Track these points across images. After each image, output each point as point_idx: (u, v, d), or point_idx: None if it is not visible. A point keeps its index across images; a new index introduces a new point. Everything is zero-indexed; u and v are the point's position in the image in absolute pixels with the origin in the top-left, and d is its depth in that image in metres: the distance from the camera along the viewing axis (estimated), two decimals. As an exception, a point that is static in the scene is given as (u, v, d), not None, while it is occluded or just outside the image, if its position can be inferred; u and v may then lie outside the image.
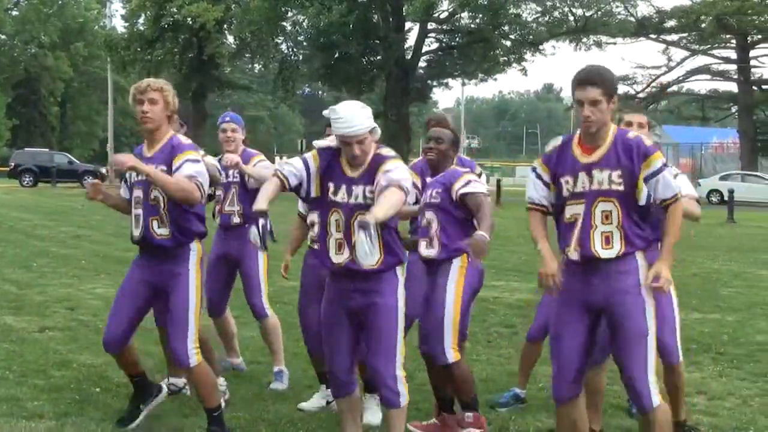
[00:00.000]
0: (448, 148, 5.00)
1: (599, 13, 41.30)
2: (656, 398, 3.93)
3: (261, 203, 4.12)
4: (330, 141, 4.53)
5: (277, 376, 5.94)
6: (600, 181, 3.92)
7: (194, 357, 4.60)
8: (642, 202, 3.93)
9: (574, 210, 3.97)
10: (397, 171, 4.11)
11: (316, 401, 5.42)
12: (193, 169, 4.55)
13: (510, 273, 12.03)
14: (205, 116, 50.97)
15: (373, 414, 5.15)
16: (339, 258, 4.20)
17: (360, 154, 4.15)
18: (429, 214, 4.82)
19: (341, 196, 4.19)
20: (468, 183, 4.79)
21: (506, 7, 40.91)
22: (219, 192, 5.94)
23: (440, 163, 4.99)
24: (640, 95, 46.72)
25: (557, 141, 4.16)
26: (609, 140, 3.96)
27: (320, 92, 71.53)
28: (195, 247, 4.70)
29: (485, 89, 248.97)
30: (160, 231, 4.60)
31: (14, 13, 62.24)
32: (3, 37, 63.74)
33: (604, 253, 3.90)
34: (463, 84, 57.34)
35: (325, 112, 4.29)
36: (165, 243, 4.61)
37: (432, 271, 4.88)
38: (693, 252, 15.24)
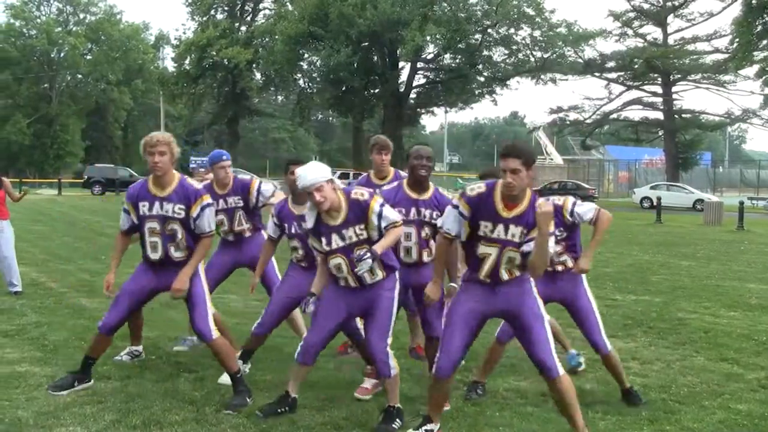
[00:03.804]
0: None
1: (554, 55, 41.37)
2: (560, 368, 3.77)
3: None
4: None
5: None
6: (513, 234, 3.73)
7: (214, 332, 4.58)
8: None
9: (486, 249, 3.77)
10: (387, 209, 4.08)
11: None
12: (208, 216, 4.53)
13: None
14: (238, 137, 51.06)
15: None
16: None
17: (321, 201, 3.98)
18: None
19: (336, 244, 4.09)
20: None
21: (480, 50, 41.05)
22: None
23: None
24: (588, 121, 46.80)
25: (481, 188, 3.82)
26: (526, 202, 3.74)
27: (330, 118, 71.38)
28: None
29: (464, 116, 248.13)
30: (177, 254, 4.54)
31: (88, 57, 62.22)
32: (79, 76, 63.62)
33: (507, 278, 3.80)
34: (446, 111, 57.63)
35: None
36: (182, 261, 4.56)
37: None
38: (629, 246, 15.32)
